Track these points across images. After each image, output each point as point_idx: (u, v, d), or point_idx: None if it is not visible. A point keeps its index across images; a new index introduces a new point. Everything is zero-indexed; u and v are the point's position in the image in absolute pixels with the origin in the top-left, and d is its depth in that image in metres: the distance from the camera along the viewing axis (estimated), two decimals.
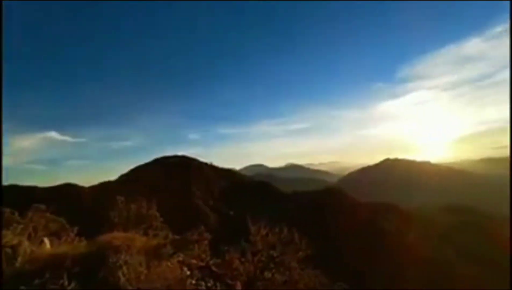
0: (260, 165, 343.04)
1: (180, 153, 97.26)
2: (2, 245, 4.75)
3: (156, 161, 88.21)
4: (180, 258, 5.50)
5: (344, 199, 77.86)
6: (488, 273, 42.85)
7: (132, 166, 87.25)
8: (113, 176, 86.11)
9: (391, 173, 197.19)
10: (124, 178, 78.03)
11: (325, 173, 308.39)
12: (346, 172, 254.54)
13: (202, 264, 5.84)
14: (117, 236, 5.62)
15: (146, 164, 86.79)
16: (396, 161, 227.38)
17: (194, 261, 5.73)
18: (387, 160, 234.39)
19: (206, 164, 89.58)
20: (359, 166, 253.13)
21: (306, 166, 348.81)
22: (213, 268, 5.97)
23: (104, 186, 68.99)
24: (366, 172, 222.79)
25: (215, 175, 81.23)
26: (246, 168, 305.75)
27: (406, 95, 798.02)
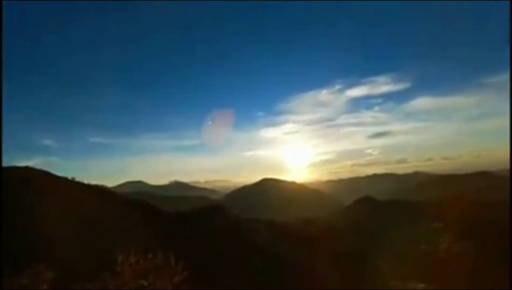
0: (140, 182, 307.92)
1: (25, 163, 72.97)
2: None
3: None
4: None
5: (227, 216, 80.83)
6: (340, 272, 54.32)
7: None
8: None
9: (267, 191, 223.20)
10: None
11: (211, 191, 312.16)
12: (230, 191, 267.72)
13: None
14: None
15: None
16: (272, 180, 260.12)
17: None
18: (264, 179, 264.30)
19: (66, 179, 71.41)
20: (241, 185, 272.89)
21: (192, 184, 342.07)
22: None
23: None
24: (247, 190, 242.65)
25: (78, 193, 65.75)
26: (122, 185, 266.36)
27: (281, 125, 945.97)
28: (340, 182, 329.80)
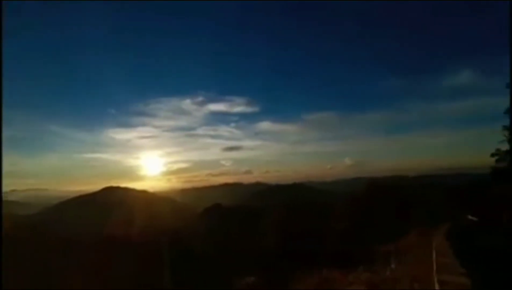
0: None
1: None
2: None
3: None
4: None
5: (44, 236, 61.45)
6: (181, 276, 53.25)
7: None
8: None
9: (109, 202, 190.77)
10: None
11: (20, 205, 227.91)
12: (55, 202, 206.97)
13: None
14: None
15: None
16: (118, 189, 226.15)
17: None
18: (109, 188, 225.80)
19: None
20: (76, 194, 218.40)
21: None
22: None
23: None
24: (81, 201, 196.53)
25: None
26: None
27: (136, 128, 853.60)
28: (195, 190, 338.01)
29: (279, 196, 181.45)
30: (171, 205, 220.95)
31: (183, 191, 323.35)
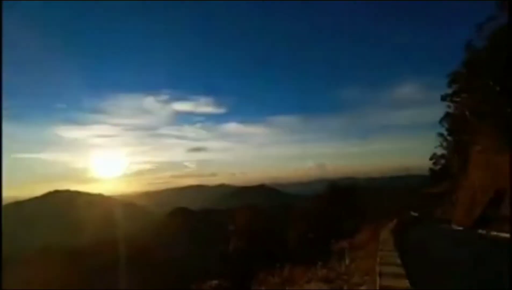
0: None
1: None
2: None
3: None
4: None
5: None
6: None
7: None
8: None
9: (55, 208, 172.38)
10: None
11: None
12: None
13: None
14: None
15: None
16: (67, 193, 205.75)
17: None
18: (56, 191, 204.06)
19: None
20: (13, 200, 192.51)
21: None
22: None
23: None
24: (21, 207, 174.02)
25: None
26: None
27: (91, 125, 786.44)
28: (157, 193, 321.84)
29: (244, 198, 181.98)
30: (129, 209, 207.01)
31: (145, 194, 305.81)
